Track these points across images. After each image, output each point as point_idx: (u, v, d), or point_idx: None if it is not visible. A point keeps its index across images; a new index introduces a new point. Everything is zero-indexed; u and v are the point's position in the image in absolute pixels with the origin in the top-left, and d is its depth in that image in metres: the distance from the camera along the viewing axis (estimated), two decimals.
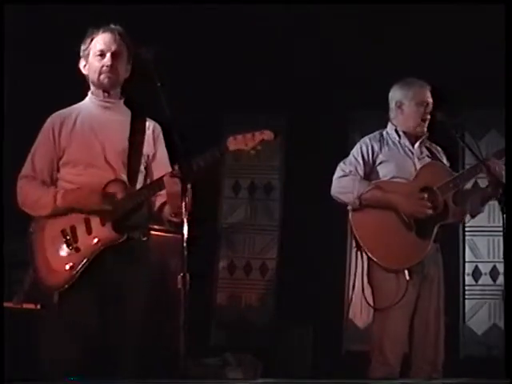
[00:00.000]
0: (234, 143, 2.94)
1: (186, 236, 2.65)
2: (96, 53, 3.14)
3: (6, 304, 3.58)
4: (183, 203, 2.69)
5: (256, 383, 4.35)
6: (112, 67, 3.12)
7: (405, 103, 3.83)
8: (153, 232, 4.69)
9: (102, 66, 3.12)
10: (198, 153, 3.07)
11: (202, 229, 3.58)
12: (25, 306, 4.10)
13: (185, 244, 2.64)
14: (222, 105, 5.59)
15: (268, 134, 2.96)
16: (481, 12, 4.50)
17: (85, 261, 2.99)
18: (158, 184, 3.01)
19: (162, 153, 3.23)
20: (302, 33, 5.06)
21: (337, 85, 5.31)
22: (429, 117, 3.81)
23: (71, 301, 2.98)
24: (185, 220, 2.66)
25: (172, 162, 3.11)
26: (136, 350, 3.06)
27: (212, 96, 5.36)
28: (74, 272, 2.99)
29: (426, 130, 3.84)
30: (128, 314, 3.02)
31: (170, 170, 3.14)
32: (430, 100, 3.82)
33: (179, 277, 2.61)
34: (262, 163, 5.84)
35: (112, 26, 3.17)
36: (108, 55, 3.12)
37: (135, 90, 3.35)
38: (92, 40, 3.16)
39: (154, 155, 3.22)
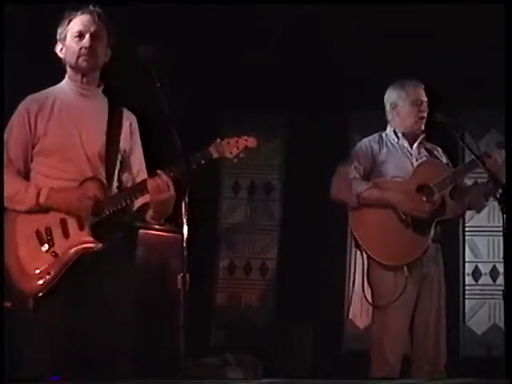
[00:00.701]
0: (218, 151, 2.91)
1: (185, 236, 2.65)
2: (74, 34, 2.97)
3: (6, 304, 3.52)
4: (183, 204, 2.67)
5: (257, 383, 4.35)
6: (91, 49, 2.95)
7: (399, 104, 3.85)
8: (153, 232, 4.73)
9: (81, 48, 2.95)
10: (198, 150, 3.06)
11: (202, 229, 3.58)
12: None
13: (185, 244, 2.64)
14: (222, 104, 5.59)
15: (252, 142, 2.94)
16: (481, 12, 4.49)
17: (63, 267, 2.83)
18: (141, 189, 2.89)
19: (139, 147, 3.11)
20: (302, 33, 5.06)
21: (337, 85, 5.31)
22: (425, 115, 3.82)
23: (47, 307, 2.84)
24: (184, 220, 2.65)
25: (169, 163, 2.95)
26: (122, 352, 2.95)
27: (212, 95, 5.36)
28: (52, 279, 2.82)
29: (423, 128, 3.85)
30: (110, 317, 2.88)
31: (144, 164, 3.09)
32: (425, 98, 3.83)
33: (179, 277, 2.60)
34: (262, 163, 5.84)
35: (91, 7, 3.01)
36: (87, 36, 2.95)
37: (133, 90, 3.34)
38: (70, 22, 2.99)
39: (131, 149, 3.08)
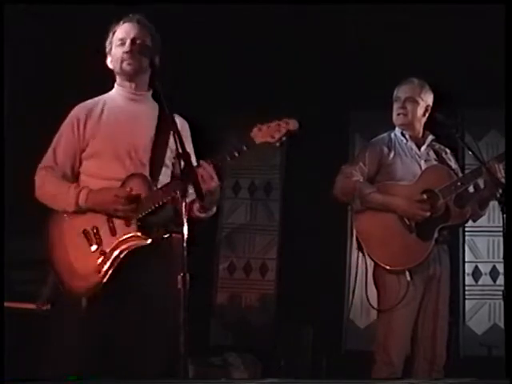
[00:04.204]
0: (260, 135, 2.86)
1: (185, 236, 2.65)
2: (117, 43, 3.09)
3: (6, 304, 3.52)
4: (183, 204, 2.67)
5: (258, 383, 4.35)
6: (132, 53, 3.04)
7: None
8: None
9: (123, 53, 3.05)
10: (198, 153, 3.07)
11: (202, 229, 3.58)
12: (24, 305, 4.01)
13: (185, 244, 2.64)
14: (222, 104, 5.59)
15: (293, 124, 2.88)
16: (481, 12, 4.49)
17: (112, 265, 2.87)
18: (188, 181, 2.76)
19: (191, 151, 3.05)
20: (302, 33, 5.06)
21: (337, 85, 5.31)
22: (404, 112, 3.81)
23: (98, 305, 2.86)
24: (185, 220, 2.65)
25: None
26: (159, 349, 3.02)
27: (211, 95, 5.35)
28: (103, 277, 2.86)
29: (400, 123, 3.83)
30: (153, 315, 2.95)
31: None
32: (408, 95, 3.82)
33: (179, 277, 2.60)
34: (262, 163, 5.83)
35: (131, 15, 3.13)
36: (128, 42, 3.06)
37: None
38: (114, 33, 3.12)
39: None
